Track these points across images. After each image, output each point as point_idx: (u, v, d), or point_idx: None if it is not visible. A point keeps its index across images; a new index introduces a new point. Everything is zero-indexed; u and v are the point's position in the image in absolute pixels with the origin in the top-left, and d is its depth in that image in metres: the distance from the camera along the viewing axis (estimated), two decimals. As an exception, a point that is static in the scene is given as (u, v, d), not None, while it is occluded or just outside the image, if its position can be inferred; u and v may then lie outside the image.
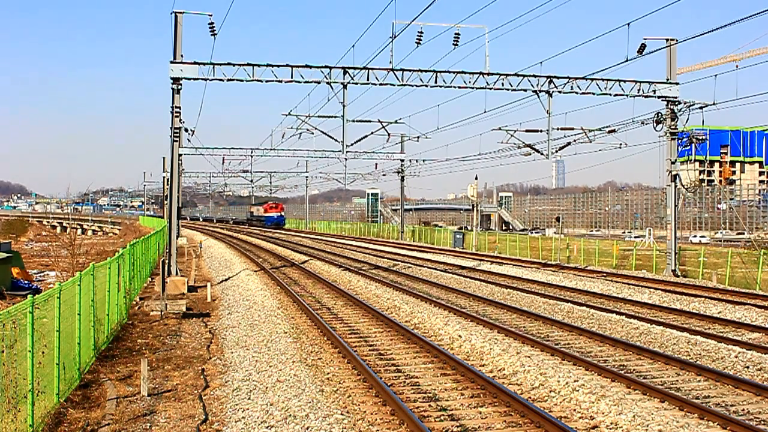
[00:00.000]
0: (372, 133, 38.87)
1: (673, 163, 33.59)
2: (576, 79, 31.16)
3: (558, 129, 34.38)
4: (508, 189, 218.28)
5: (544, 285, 29.10)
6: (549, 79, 31.06)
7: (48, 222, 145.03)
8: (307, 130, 39.92)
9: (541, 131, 34.39)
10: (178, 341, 18.01)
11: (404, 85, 29.79)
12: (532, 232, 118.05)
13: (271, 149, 53.26)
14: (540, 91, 31.09)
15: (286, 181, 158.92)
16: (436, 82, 30.01)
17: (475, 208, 66.22)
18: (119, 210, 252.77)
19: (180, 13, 28.80)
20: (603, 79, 31.33)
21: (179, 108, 29.31)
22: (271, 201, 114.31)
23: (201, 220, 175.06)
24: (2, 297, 25.31)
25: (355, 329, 19.15)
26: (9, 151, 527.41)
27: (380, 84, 29.56)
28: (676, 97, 32.77)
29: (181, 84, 28.91)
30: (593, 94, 31.32)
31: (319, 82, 29.69)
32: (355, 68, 29.41)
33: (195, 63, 28.72)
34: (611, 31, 26.47)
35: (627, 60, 28.36)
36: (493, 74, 30.28)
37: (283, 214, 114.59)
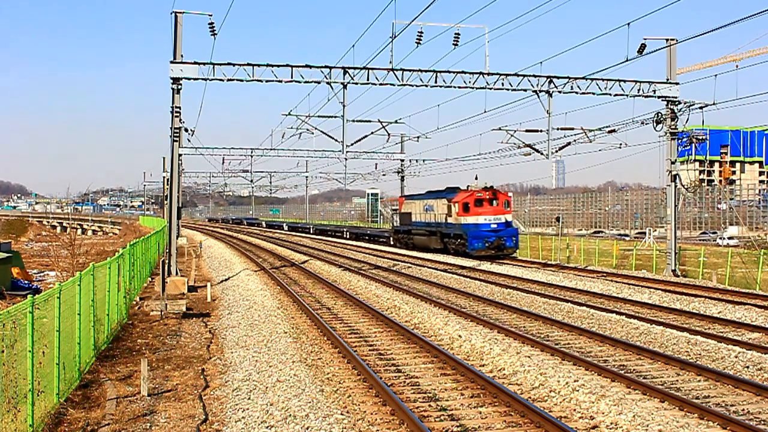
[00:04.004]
0: (372, 133, 38.91)
1: (673, 163, 33.59)
2: (576, 79, 31.16)
3: (558, 129, 34.40)
4: (508, 189, 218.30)
5: (544, 285, 29.10)
6: (549, 79, 31.06)
7: (48, 222, 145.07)
8: (307, 130, 39.97)
9: (541, 131, 34.40)
10: (178, 341, 18.01)
11: (404, 85, 29.79)
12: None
13: (271, 149, 53.27)
14: (540, 91, 31.09)
15: (286, 181, 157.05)
16: (436, 82, 30.01)
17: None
18: (119, 210, 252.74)
19: (180, 13, 28.81)
20: (603, 79, 31.34)
21: (179, 108, 29.32)
22: (475, 187, 45.03)
23: (244, 223, 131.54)
24: (2, 297, 25.31)
25: (355, 329, 19.15)
26: (9, 151, 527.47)
27: (380, 84, 29.56)
28: (676, 97, 32.76)
29: (181, 84, 28.92)
30: (593, 94, 31.32)
31: (319, 82, 29.69)
32: (355, 68, 29.41)
33: (195, 63, 28.73)
34: (611, 31, 26.50)
35: (627, 60, 28.40)
36: (493, 74, 30.28)
37: (511, 221, 46.47)
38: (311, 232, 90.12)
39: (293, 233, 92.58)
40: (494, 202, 44.16)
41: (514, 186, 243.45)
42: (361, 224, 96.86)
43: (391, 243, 58.69)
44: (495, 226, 43.25)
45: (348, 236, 76.31)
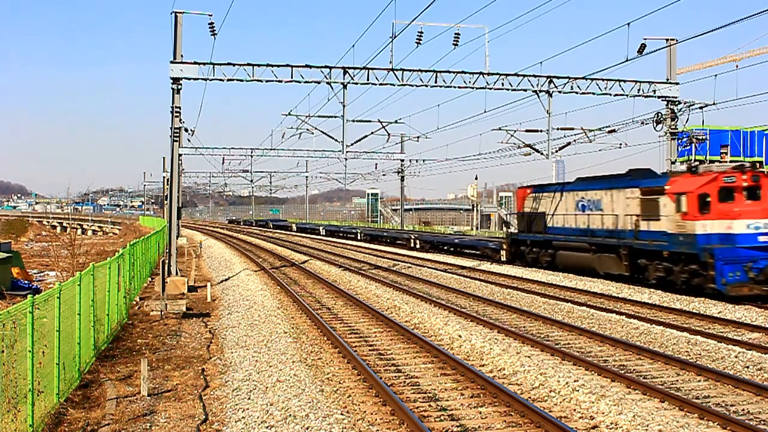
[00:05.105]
0: (372, 133, 38.83)
1: (673, 163, 33.57)
2: (576, 79, 31.14)
3: (558, 129, 34.35)
4: (508, 189, 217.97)
5: (544, 285, 29.09)
6: (549, 79, 31.04)
7: (48, 222, 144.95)
8: (307, 130, 39.93)
9: (541, 131, 34.37)
10: (178, 341, 18.01)
11: (404, 85, 29.77)
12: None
13: (271, 149, 53.13)
14: (540, 91, 31.07)
15: (286, 181, 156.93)
16: (436, 82, 29.99)
17: (475, 208, 66.31)
18: (119, 210, 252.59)
19: (180, 13, 28.79)
20: (603, 79, 31.32)
21: (179, 108, 29.30)
22: (716, 166, 25.80)
23: (270, 225, 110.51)
24: (2, 297, 25.32)
25: (355, 329, 19.15)
26: (9, 151, 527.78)
27: (380, 84, 29.53)
28: (676, 97, 32.75)
29: (181, 84, 28.90)
30: (593, 94, 31.30)
31: (319, 82, 29.67)
32: (355, 68, 29.39)
33: (195, 63, 28.70)
34: (611, 31, 26.52)
35: (627, 60, 28.38)
36: (493, 74, 30.26)
37: None
38: (358, 238, 70.21)
39: (330, 239, 74.97)
40: (755, 192, 24.45)
41: (514, 186, 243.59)
42: (440, 229, 73.88)
43: (504, 258, 38.44)
44: (766, 238, 23.78)
45: (417, 245, 54.34)
